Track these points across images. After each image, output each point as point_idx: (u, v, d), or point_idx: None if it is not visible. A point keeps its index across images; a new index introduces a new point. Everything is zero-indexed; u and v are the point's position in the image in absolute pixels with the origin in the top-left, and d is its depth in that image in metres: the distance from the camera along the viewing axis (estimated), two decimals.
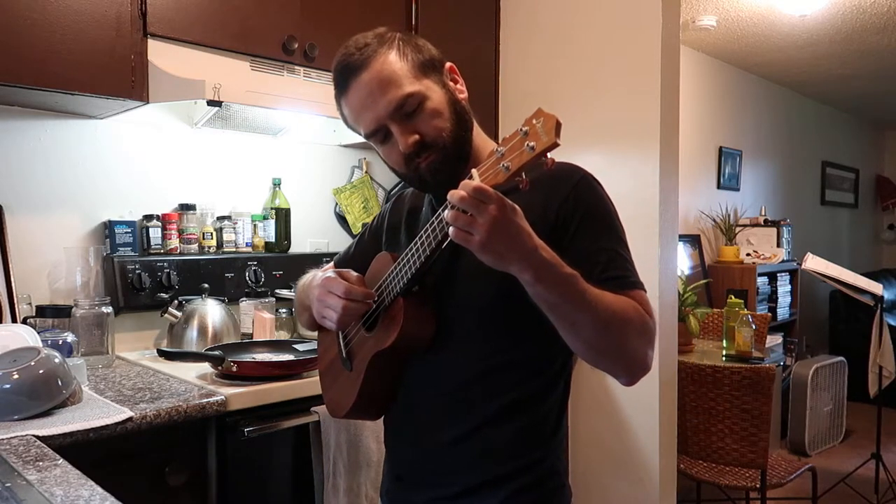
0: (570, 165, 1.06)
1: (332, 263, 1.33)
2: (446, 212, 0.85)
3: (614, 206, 1.05)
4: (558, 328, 0.92)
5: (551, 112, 0.79)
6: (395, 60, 1.01)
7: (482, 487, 1.05)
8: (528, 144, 0.79)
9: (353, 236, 2.62)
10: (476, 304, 1.04)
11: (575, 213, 1.01)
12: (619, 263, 1.00)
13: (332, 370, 1.22)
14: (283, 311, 2.22)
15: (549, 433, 1.08)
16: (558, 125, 0.78)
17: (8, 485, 0.93)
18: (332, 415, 1.23)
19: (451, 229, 0.84)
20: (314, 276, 1.22)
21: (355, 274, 1.12)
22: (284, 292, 2.22)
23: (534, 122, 0.79)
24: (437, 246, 0.94)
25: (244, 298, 2.15)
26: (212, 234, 2.18)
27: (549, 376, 1.07)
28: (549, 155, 0.80)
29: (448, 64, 1.08)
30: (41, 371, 1.34)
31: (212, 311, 2.00)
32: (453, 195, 0.82)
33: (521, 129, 0.81)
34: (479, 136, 1.09)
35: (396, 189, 2.71)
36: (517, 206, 0.84)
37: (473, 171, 0.86)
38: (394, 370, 1.11)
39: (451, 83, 1.06)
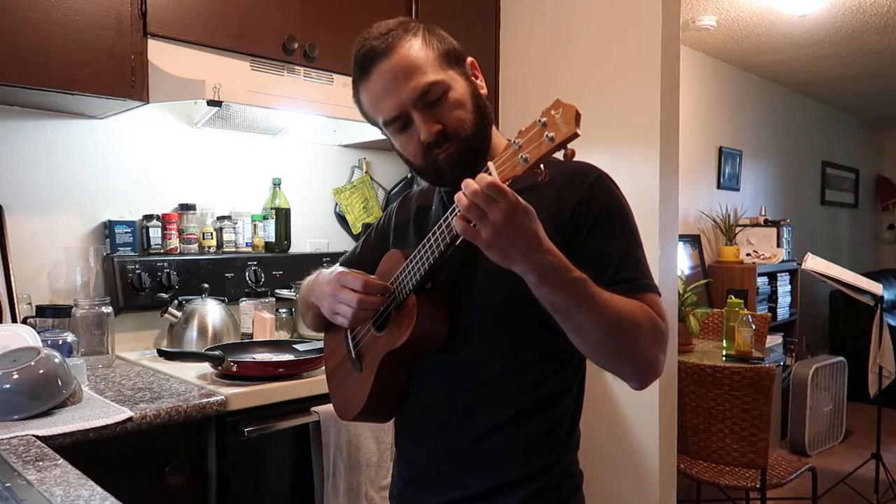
0: (586, 165, 1.04)
1: (337, 265, 1.27)
2: (458, 199, 0.83)
3: (629, 207, 1.04)
4: (565, 331, 0.91)
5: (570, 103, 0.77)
6: (420, 48, 1.00)
7: (498, 490, 1.03)
8: (546, 135, 0.77)
9: (353, 236, 2.62)
10: (490, 303, 1.01)
11: (589, 214, 0.99)
12: (632, 265, 0.99)
13: (340, 372, 1.18)
14: (283, 311, 2.21)
15: (565, 436, 1.06)
16: (578, 115, 0.75)
17: (8, 485, 0.93)
18: (342, 417, 1.19)
19: (456, 221, 0.83)
20: (319, 274, 1.19)
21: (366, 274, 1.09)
22: (284, 292, 2.22)
23: (552, 112, 0.77)
24: (452, 241, 0.91)
25: (244, 298, 2.15)
26: (212, 234, 2.18)
27: (564, 378, 1.05)
28: (569, 146, 0.77)
29: (469, 59, 1.06)
30: (41, 371, 1.34)
31: (212, 311, 2.00)
32: (468, 185, 0.80)
33: (539, 121, 0.78)
34: (496, 134, 1.08)
35: (397, 188, 2.71)
36: (531, 208, 0.82)
37: (490, 163, 0.83)
38: (406, 370, 1.08)
39: (473, 77, 1.05)
